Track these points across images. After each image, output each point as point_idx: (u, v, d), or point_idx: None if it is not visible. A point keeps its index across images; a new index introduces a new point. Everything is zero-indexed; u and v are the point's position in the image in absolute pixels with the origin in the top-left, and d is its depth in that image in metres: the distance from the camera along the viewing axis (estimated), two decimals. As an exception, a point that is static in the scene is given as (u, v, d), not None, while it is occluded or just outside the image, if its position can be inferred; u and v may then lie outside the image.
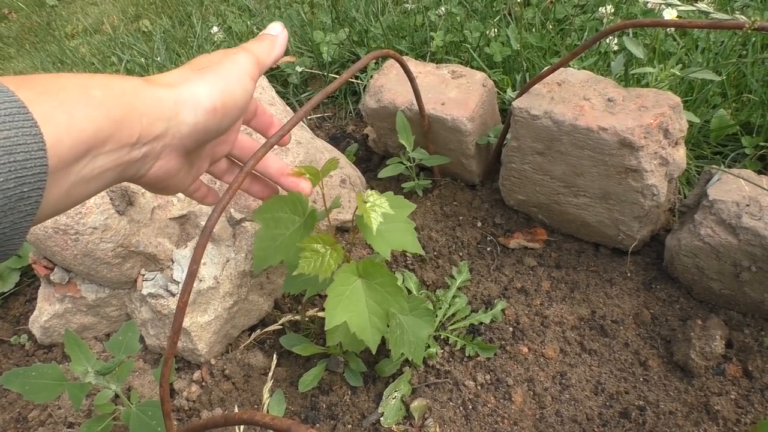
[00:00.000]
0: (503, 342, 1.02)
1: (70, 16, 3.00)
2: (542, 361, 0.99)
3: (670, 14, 1.00)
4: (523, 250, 1.16)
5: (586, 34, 1.49)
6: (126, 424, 0.89)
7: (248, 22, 2.11)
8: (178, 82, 0.47)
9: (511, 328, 1.04)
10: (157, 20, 2.51)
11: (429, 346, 1.00)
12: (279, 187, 0.72)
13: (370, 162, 1.41)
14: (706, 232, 0.93)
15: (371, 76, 1.31)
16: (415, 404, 0.95)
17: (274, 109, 1.12)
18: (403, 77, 1.07)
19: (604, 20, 1.42)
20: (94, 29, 2.73)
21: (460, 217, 1.22)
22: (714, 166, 1.00)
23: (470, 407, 0.95)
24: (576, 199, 1.06)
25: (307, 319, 1.07)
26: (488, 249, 1.17)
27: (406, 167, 1.20)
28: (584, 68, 1.27)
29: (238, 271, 1.03)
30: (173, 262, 1.03)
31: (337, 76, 1.44)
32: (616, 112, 0.95)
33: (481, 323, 1.04)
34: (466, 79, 1.19)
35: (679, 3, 0.97)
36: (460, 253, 1.16)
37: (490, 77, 1.25)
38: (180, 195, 1.06)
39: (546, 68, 0.99)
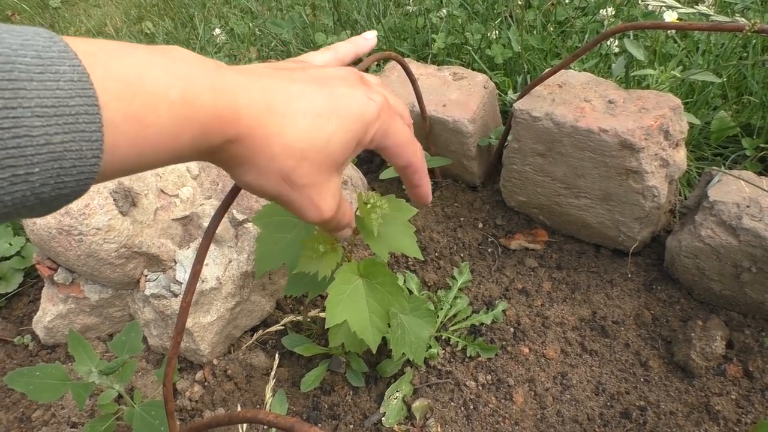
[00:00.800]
0: (504, 342, 1.03)
1: (73, 18, 3.01)
2: (543, 362, 1.00)
3: (670, 16, 1.00)
4: (524, 251, 1.16)
5: (587, 36, 1.50)
6: (129, 423, 0.89)
7: (250, 24, 2.12)
8: None
9: (512, 329, 1.04)
10: (159, 22, 2.52)
11: (430, 347, 1.01)
12: None
13: (371, 163, 1.42)
14: (706, 233, 0.93)
15: (373, 78, 1.31)
16: (417, 404, 0.95)
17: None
18: (405, 79, 1.08)
19: (605, 22, 1.43)
20: (97, 31, 2.74)
21: (462, 219, 1.23)
22: (714, 167, 1.00)
23: (471, 407, 0.95)
24: (577, 201, 1.06)
25: (309, 319, 1.08)
26: (489, 250, 1.17)
27: (408, 168, 1.20)
28: (585, 70, 1.28)
29: (241, 271, 1.04)
30: (176, 262, 1.04)
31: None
32: (617, 114, 0.95)
33: (482, 324, 1.04)
34: (468, 81, 1.20)
35: (679, 5, 0.97)
36: (462, 254, 1.17)
37: (491, 79, 1.26)
38: (182, 196, 1.07)
39: (547, 70, 0.99)
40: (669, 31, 1.34)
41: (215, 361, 1.06)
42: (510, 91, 1.37)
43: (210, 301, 1.02)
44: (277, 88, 0.41)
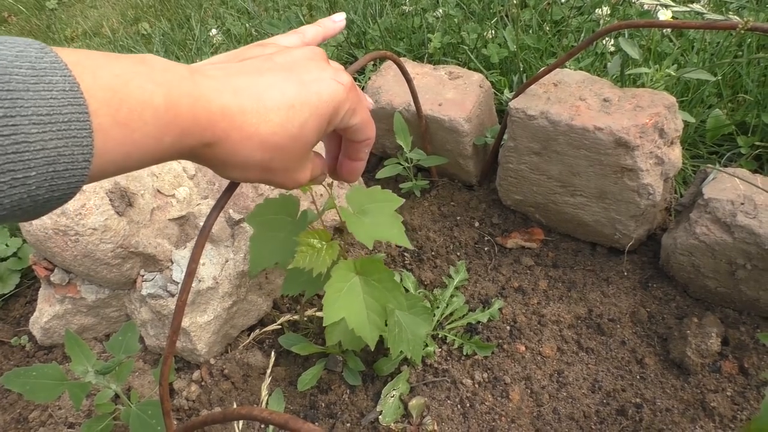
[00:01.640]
0: (500, 341, 1.03)
1: (70, 19, 3.01)
2: (539, 360, 1.00)
3: (664, 15, 1.00)
4: (521, 249, 1.16)
5: (582, 35, 1.50)
6: (126, 423, 0.90)
7: (247, 25, 2.12)
8: None
9: (508, 327, 1.04)
10: (156, 23, 2.52)
11: (427, 345, 1.01)
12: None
13: (367, 163, 1.42)
14: (701, 231, 0.93)
15: (369, 78, 1.32)
16: (413, 402, 0.95)
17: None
18: (401, 78, 1.08)
19: (601, 22, 1.43)
20: (93, 32, 2.74)
21: (458, 218, 1.23)
22: (709, 165, 1.00)
23: (468, 405, 0.95)
24: (573, 199, 1.07)
25: (305, 318, 1.08)
26: (486, 249, 1.17)
27: (404, 168, 1.21)
28: (581, 69, 1.28)
29: (237, 271, 1.04)
30: (172, 262, 1.04)
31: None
32: (612, 112, 0.96)
33: (479, 322, 1.05)
34: (463, 80, 1.20)
35: (673, 4, 0.97)
36: (458, 253, 1.17)
37: (487, 78, 1.26)
38: (179, 196, 1.07)
39: (542, 69, 0.99)
40: (664, 30, 1.35)
41: (212, 361, 1.06)
42: (506, 90, 1.38)
43: (207, 300, 1.02)
44: (248, 85, 0.43)
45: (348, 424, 0.96)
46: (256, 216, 0.85)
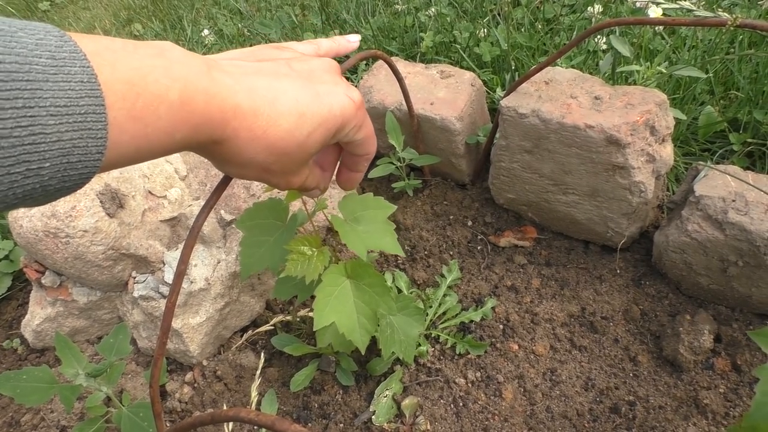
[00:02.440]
0: (493, 339, 1.03)
1: (62, 20, 3.00)
2: (532, 358, 1.00)
3: (655, 12, 1.01)
4: (514, 248, 1.16)
5: (575, 33, 1.50)
6: (118, 426, 0.89)
7: (239, 25, 2.12)
8: None
9: (501, 326, 1.04)
10: (148, 24, 2.52)
11: (420, 345, 1.01)
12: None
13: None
14: (693, 228, 0.93)
15: (361, 77, 1.31)
16: (407, 402, 0.95)
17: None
18: (393, 78, 1.08)
19: (593, 20, 1.43)
20: (86, 33, 2.73)
21: (451, 217, 1.23)
22: (701, 162, 1.00)
23: (461, 404, 0.95)
24: (565, 197, 1.07)
25: (298, 319, 1.08)
26: (479, 248, 1.17)
27: (396, 167, 1.21)
28: (572, 67, 1.28)
29: (229, 272, 1.03)
30: (164, 264, 1.03)
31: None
32: (603, 110, 0.96)
33: (472, 321, 1.05)
34: (455, 79, 1.20)
35: (664, 1, 0.97)
36: (451, 252, 1.17)
37: (479, 77, 1.26)
38: (170, 197, 1.06)
39: (533, 67, 0.99)
40: (657, 28, 1.35)
41: (205, 362, 1.06)
42: (498, 89, 1.38)
43: (199, 302, 1.01)
44: (263, 87, 0.43)
45: (341, 425, 0.96)
46: (246, 220, 0.85)
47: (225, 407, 1.00)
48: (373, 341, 0.93)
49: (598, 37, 1.36)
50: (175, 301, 0.62)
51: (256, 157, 0.44)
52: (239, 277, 1.05)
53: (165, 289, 1.01)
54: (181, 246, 1.05)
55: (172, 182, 1.09)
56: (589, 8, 1.46)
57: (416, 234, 1.20)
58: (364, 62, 1.62)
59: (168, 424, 1.00)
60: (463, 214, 1.23)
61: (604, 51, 1.38)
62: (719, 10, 0.98)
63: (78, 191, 0.95)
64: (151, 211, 1.04)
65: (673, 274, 1.03)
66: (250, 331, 1.09)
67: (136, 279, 1.03)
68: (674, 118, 1.00)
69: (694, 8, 0.88)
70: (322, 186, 0.58)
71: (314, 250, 0.77)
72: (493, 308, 1.06)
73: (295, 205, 0.95)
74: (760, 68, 1.23)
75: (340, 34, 1.71)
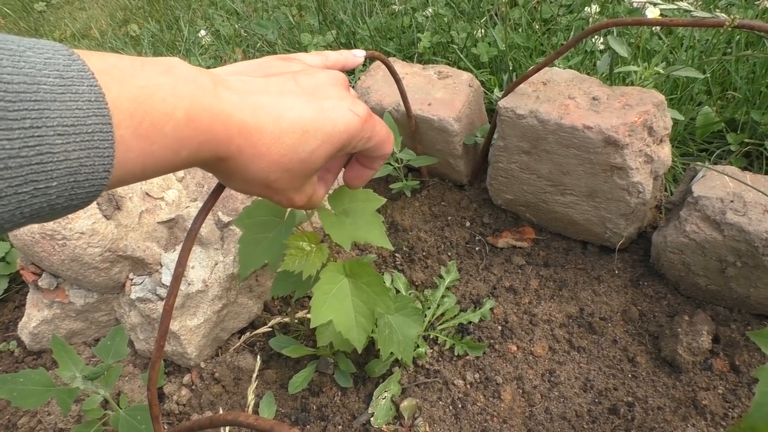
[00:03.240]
0: (492, 341, 1.02)
1: (58, 21, 2.99)
2: (531, 359, 1.00)
3: (653, 13, 1.00)
4: (512, 249, 1.16)
5: (572, 33, 1.50)
6: (115, 428, 0.89)
7: (236, 26, 2.11)
8: None
9: (499, 327, 1.04)
10: (145, 24, 2.51)
11: (418, 346, 1.00)
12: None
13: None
14: (691, 229, 0.93)
15: (358, 78, 1.31)
16: (405, 404, 0.95)
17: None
18: (390, 79, 1.08)
19: (590, 20, 1.43)
20: (82, 34, 2.72)
21: (449, 217, 1.23)
22: (699, 163, 1.00)
23: (460, 406, 0.95)
24: (563, 198, 1.07)
25: (296, 320, 1.08)
26: (477, 248, 1.17)
27: (394, 168, 1.20)
28: (570, 67, 1.28)
29: (227, 274, 1.03)
30: (162, 266, 1.03)
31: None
32: (601, 111, 0.95)
33: (470, 322, 1.04)
34: (453, 80, 1.20)
35: (661, 2, 0.97)
36: (449, 253, 1.17)
37: (476, 77, 1.26)
38: (168, 199, 1.06)
39: (531, 68, 0.99)
40: (654, 28, 1.35)
41: (202, 364, 1.06)
42: (496, 89, 1.38)
43: (196, 303, 1.01)
44: (268, 105, 0.43)
45: (340, 427, 0.96)
46: (245, 218, 0.84)
47: (223, 409, 1.00)
48: (372, 342, 0.93)
49: (596, 37, 1.36)
50: (173, 304, 0.62)
51: (260, 174, 0.44)
52: (237, 279, 1.05)
53: (162, 291, 1.01)
54: (178, 247, 1.04)
55: (169, 184, 1.08)
56: (586, 8, 1.46)
57: (414, 235, 1.20)
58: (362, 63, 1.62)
59: (166, 427, 0.99)
60: (461, 215, 1.23)
61: (601, 51, 1.38)
62: (716, 10, 0.98)
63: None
64: (148, 212, 1.04)
65: (671, 274, 1.03)
66: (247, 333, 1.09)
67: (134, 281, 1.03)
68: (672, 118, 1.00)
69: (692, 9, 0.88)
70: (323, 194, 0.57)
71: (313, 246, 0.77)
72: (491, 309, 1.06)
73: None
74: (758, 68, 1.23)
75: (337, 34, 1.71)
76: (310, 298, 1.10)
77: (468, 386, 0.97)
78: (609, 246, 1.10)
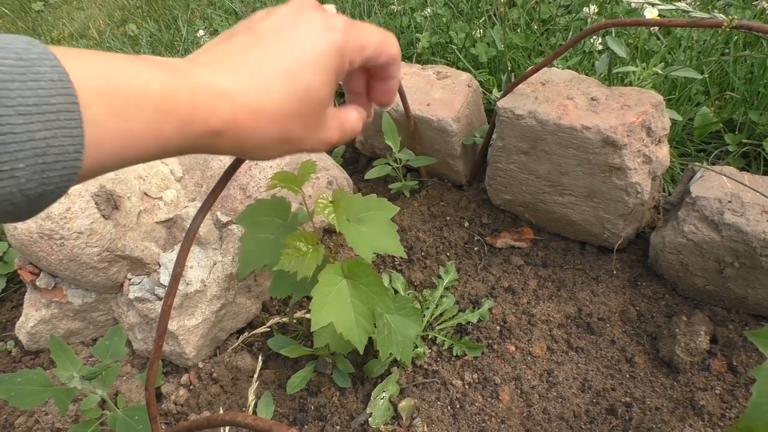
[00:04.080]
0: (490, 341, 1.02)
1: (56, 20, 2.99)
2: (529, 360, 1.00)
3: (651, 13, 1.01)
4: (510, 249, 1.16)
5: (570, 34, 1.50)
6: (113, 428, 0.89)
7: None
8: None
9: (498, 327, 1.04)
10: (143, 24, 2.51)
11: (417, 346, 1.00)
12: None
13: (357, 164, 1.41)
14: (689, 229, 0.93)
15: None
16: (403, 404, 0.95)
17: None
18: (388, 78, 1.07)
19: (589, 20, 1.43)
20: (80, 34, 2.72)
21: (448, 218, 1.23)
22: (697, 163, 1.01)
23: (458, 406, 0.95)
24: (561, 198, 1.07)
25: (294, 321, 1.07)
26: (475, 249, 1.17)
27: (393, 168, 1.20)
28: (568, 68, 1.28)
29: (225, 274, 1.03)
30: (160, 265, 1.03)
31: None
32: (600, 111, 0.96)
33: (469, 322, 1.04)
34: (452, 80, 1.20)
35: (660, 2, 0.98)
36: (448, 253, 1.17)
37: (475, 78, 1.26)
38: (166, 199, 1.06)
39: (530, 68, 0.99)
40: (652, 29, 1.35)
41: (201, 364, 1.06)
42: (495, 90, 1.38)
43: (195, 303, 1.01)
44: (241, 62, 0.41)
45: (338, 427, 0.95)
46: (247, 217, 0.84)
47: (221, 409, 1.00)
48: (370, 343, 0.93)
49: (594, 37, 1.36)
50: (171, 304, 0.62)
51: (268, 133, 0.42)
52: (235, 279, 1.05)
53: (160, 291, 1.01)
54: (177, 247, 1.04)
55: (167, 183, 1.08)
56: (584, 9, 1.46)
57: (413, 235, 1.20)
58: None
59: (164, 427, 0.99)
60: (459, 215, 1.23)
61: (600, 52, 1.38)
62: (714, 11, 0.99)
63: (73, 192, 0.95)
64: (146, 212, 1.03)
65: (669, 275, 1.03)
66: (246, 333, 1.09)
67: (132, 281, 1.03)
68: (670, 119, 1.00)
69: (690, 9, 0.88)
70: (364, 114, 0.53)
71: (309, 246, 0.77)
72: (490, 309, 1.06)
73: (295, 206, 0.95)
74: (755, 69, 1.24)
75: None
76: (308, 297, 1.10)
77: (466, 386, 0.97)
78: (607, 246, 1.10)
